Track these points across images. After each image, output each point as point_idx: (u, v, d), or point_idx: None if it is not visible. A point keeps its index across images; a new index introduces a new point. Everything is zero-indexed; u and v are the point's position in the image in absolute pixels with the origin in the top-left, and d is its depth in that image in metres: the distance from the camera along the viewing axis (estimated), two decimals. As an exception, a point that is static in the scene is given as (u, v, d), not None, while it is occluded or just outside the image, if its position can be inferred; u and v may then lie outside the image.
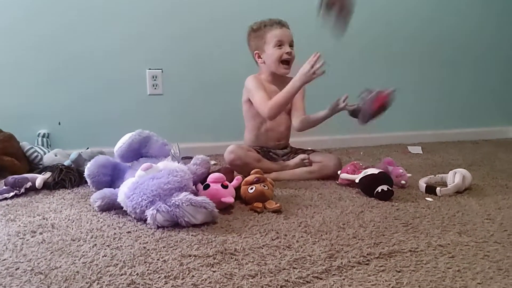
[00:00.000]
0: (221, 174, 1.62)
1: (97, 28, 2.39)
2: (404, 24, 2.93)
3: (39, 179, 1.80)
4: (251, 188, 1.62)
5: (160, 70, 2.52)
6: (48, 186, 1.82)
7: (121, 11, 2.42)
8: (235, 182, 1.66)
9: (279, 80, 2.05)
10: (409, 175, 1.89)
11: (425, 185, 1.81)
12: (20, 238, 1.29)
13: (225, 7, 2.57)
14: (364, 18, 2.81)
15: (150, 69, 2.51)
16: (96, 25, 2.39)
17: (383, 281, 1.05)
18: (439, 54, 3.06)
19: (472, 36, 3.11)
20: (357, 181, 1.77)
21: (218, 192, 1.54)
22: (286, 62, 2.02)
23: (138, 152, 1.76)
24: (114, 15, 2.41)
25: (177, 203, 1.36)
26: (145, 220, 1.39)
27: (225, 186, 1.58)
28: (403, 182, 1.85)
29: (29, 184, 1.77)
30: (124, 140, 1.74)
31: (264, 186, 1.63)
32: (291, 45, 2.02)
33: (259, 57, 2.06)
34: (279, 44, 2.00)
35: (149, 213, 1.37)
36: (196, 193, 1.52)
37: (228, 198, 1.54)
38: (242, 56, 2.17)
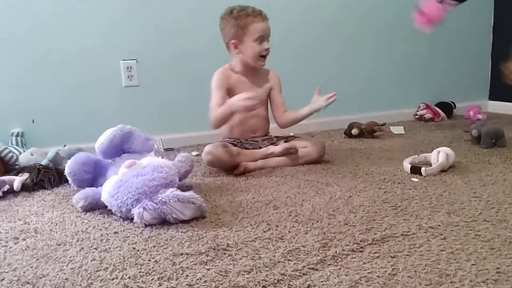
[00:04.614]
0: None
1: (68, 20, 2.30)
2: None
3: (17, 181, 1.74)
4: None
5: (135, 60, 2.45)
6: (26, 188, 1.76)
7: (91, 1, 2.33)
8: None
9: (252, 71, 2.03)
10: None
11: (410, 165, 1.81)
12: (3, 246, 1.24)
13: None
14: None
15: (124, 60, 2.43)
16: (67, 17, 2.30)
17: (379, 268, 1.05)
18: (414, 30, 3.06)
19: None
20: None
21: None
22: (264, 56, 1.99)
23: (120, 148, 1.71)
24: (85, 6, 2.32)
25: (164, 199, 1.32)
26: (132, 219, 1.35)
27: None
28: None
29: (7, 187, 1.71)
30: (105, 136, 1.69)
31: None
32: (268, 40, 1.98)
33: (236, 47, 1.98)
34: (261, 40, 1.95)
35: (135, 211, 1.33)
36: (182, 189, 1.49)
37: None
38: (218, 42, 2.12)
